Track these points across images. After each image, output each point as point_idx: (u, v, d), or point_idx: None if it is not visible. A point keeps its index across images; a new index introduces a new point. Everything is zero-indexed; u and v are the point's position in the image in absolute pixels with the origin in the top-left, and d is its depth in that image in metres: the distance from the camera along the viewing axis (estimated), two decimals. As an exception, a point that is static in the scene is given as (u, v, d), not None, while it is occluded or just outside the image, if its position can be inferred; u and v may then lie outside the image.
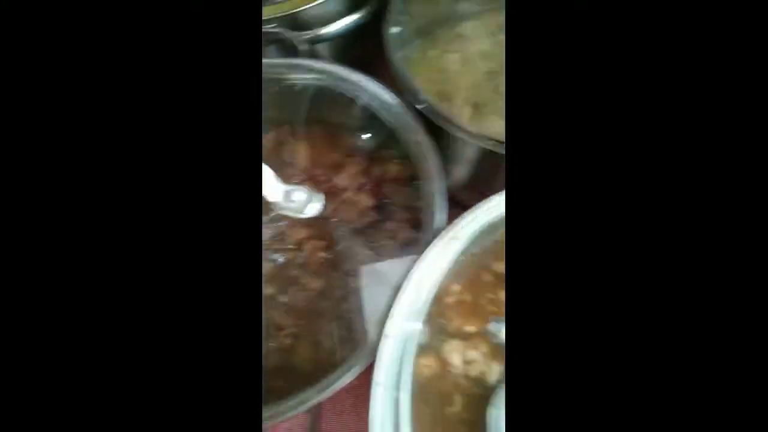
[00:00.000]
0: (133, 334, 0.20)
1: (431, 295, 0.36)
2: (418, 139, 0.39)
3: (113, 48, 0.21)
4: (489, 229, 0.38)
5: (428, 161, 0.38)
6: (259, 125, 0.22)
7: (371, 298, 0.34)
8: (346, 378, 0.33)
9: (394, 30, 0.53)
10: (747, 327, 0.18)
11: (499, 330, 0.31)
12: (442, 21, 0.59)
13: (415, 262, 0.35)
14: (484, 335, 0.35)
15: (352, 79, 0.43)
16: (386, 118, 0.42)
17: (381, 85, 0.43)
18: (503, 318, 0.31)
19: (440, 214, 0.36)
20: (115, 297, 0.20)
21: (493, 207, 0.38)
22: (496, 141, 0.36)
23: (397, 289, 0.32)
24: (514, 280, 0.21)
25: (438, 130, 0.39)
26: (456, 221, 0.34)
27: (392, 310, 0.31)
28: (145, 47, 0.21)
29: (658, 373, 0.19)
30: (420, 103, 0.40)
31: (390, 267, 0.36)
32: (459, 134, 0.37)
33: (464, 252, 0.38)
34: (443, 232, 0.36)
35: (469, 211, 0.37)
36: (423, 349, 0.35)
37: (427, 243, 0.35)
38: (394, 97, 0.42)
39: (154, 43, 0.21)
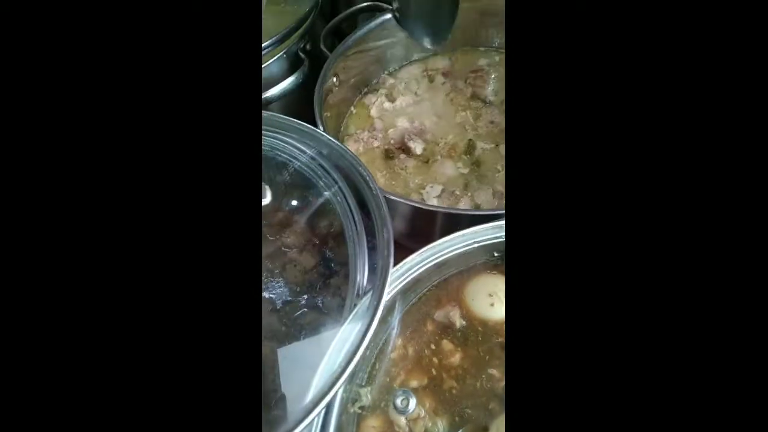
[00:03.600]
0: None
1: (371, 354, 0.35)
2: (344, 198, 0.39)
3: (113, 51, 0.21)
4: (426, 277, 0.37)
5: (354, 219, 0.38)
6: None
7: (293, 373, 0.34)
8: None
9: (329, 86, 0.54)
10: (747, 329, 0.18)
11: (405, 404, 0.31)
12: (378, 72, 0.61)
13: (345, 323, 0.34)
14: (425, 389, 0.34)
15: (285, 145, 0.43)
16: (317, 178, 0.42)
17: (310, 146, 0.43)
18: (408, 390, 0.31)
19: (366, 273, 0.36)
20: (114, 295, 0.20)
21: (429, 254, 0.37)
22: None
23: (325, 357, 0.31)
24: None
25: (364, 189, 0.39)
26: (384, 275, 0.34)
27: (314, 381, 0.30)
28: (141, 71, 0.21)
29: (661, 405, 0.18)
30: (344, 159, 0.40)
31: (322, 335, 0.35)
32: (378, 194, 0.37)
33: (404, 303, 0.37)
34: (378, 287, 0.36)
35: (404, 261, 0.37)
36: (368, 411, 0.34)
37: (358, 299, 0.35)
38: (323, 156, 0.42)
39: (151, 61, 0.21)
